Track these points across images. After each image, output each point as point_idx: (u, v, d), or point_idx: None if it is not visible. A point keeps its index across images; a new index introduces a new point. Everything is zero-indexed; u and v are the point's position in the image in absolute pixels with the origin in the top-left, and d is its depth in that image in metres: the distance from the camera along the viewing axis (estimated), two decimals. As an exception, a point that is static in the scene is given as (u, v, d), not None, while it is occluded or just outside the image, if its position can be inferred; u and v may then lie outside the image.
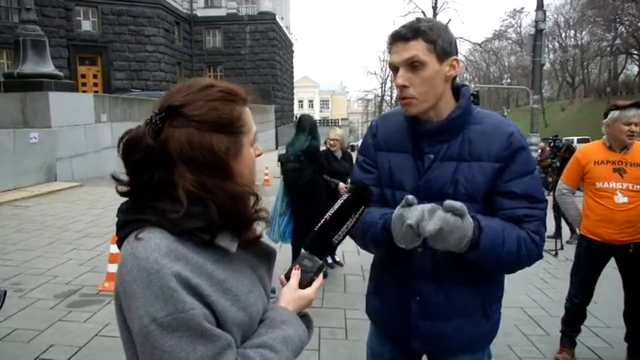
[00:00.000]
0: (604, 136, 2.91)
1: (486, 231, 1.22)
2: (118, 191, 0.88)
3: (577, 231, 6.28)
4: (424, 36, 1.27)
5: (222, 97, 0.86)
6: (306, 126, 4.71)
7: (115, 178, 0.87)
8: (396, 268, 1.45)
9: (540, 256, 1.36)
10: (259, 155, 0.95)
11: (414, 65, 1.28)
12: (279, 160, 4.87)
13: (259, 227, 0.93)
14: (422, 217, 1.14)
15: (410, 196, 1.20)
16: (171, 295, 0.75)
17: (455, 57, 1.33)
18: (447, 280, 1.38)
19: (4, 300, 1.99)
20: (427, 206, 1.16)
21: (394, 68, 1.33)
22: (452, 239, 1.15)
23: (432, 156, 1.37)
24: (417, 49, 1.27)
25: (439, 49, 1.28)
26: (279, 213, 4.82)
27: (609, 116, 2.82)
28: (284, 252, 4.58)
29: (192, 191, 0.80)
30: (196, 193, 0.80)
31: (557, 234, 6.14)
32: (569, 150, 7.69)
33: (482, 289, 1.41)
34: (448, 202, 1.14)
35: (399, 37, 1.30)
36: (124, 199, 0.89)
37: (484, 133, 1.35)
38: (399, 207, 1.21)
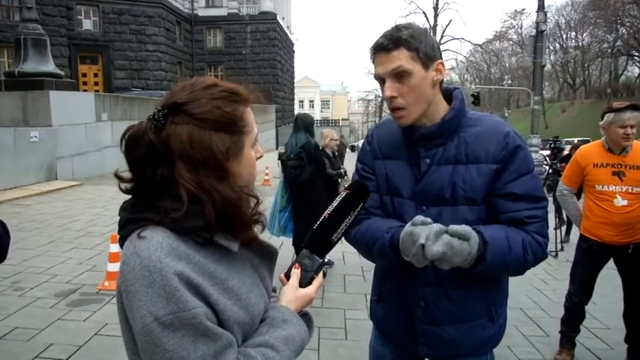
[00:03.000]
0: (603, 138, 2.89)
1: (491, 243, 1.21)
2: (121, 189, 0.88)
3: (569, 233, 6.44)
4: (406, 44, 1.26)
5: (225, 97, 0.86)
6: (301, 125, 4.80)
7: (117, 176, 0.87)
8: (399, 275, 1.44)
9: (545, 256, 1.36)
10: (260, 157, 0.95)
11: (399, 75, 1.27)
12: (279, 159, 4.93)
13: (257, 229, 0.93)
14: (427, 237, 1.13)
15: (421, 217, 1.18)
16: (173, 294, 0.75)
17: (440, 60, 1.32)
18: (450, 284, 1.37)
19: None
20: (434, 228, 1.14)
21: (380, 79, 1.32)
22: (458, 261, 1.15)
23: (428, 160, 1.35)
24: (401, 58, 1.26)
25: (422, 55, 1.27)
26: (279, 209, 4.86)
27: (605, 119, 2.80)
28: (284, 249, 4.58)
29: (191, 190, 0.80)
30: (194, 192, 0.80)
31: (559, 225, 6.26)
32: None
33: (487, 292, 1.41)
34: (453, 228, 1.13)
35: (380, 48, 1.29)
36: (125, 199, 0.90)
37: (480, 135, 1.34)
38: (409, 224, 1.19)
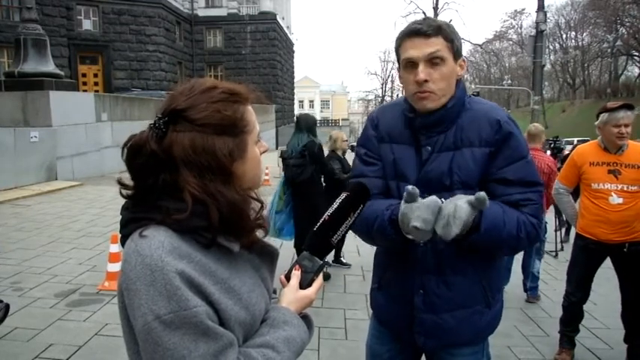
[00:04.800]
0: (599, 137, 2.93)
1: (486, 214, 1.22)
2: (122, 195, 0.88)
3: (569, 232, 6.42)
4: (444, 34, 1.31)
5: (225, 99, 0.86)
6: (304, 126, 4.80)
7: (120, 183, 0.87)
8: (399, 263, 1.46)
9: (539, 238, 1.40)
10: (264, 152, 0.96)
11: (434, 61, 1.31)
12: (280, 156, 4.93)
13: (259, 233, 0.93)
14: (447, 222, 1.14)
15: (410, 187, 1.18)
16: (175, 293, 0.75)
17: (463, 58, 1.39)
18: (449, 272, 1.39)
19: (6, 314, 1.99)
20: (449, 209, 1.14)
21: (410, 64, 1.34)
22: (456, 227, 1.15)
23: (429, 148, 1.38)
24: (439, 45, 1.31)
25: (455, 48, 1.34)
26: (275, 210, 4.85)
27: (599, 119, 2.84)
28: (284, 250, 4.58)
29: (196, 195, 0.80)
30: (199, 196, 0.80)
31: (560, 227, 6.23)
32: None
33: (483, 278, 1.42)
34: (483, 195, 1.12)
35: (419, 33, 1.32)
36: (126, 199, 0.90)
37: (474, 119, 1.37)
38: (402, 202, 1.21)
